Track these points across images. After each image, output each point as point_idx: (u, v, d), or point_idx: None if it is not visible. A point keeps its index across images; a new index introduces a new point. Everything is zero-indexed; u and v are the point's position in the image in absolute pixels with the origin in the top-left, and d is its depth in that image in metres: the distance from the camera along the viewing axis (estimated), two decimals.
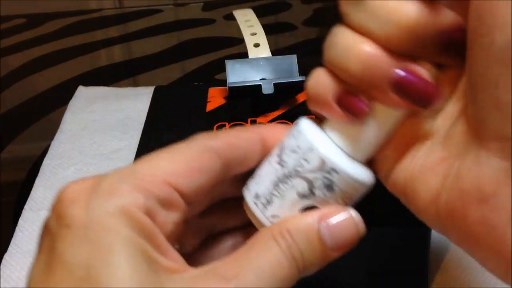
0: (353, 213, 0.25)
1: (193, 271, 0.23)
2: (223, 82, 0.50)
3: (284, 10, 0.94)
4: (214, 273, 0.22)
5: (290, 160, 0.25)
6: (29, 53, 0.83)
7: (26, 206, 0.48)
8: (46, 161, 0.53)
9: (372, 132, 0.24)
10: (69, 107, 0.62)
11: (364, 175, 0.25)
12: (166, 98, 0.52)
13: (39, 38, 0.88)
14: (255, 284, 0.22)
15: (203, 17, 0.94)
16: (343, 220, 0.25)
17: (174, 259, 0.23)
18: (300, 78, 0.48)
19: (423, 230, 0.36)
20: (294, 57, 0.50)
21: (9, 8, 0.96)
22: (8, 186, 0.55)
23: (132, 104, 0.62)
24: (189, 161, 0.24)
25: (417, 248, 0.36)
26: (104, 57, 0.82)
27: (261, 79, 0.48)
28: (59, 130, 0.58)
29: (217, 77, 0.72)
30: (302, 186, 0.25)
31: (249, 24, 0.52)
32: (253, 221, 0.26)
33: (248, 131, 0.27)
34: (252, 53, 0.50)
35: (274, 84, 0.47)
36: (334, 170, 0.24)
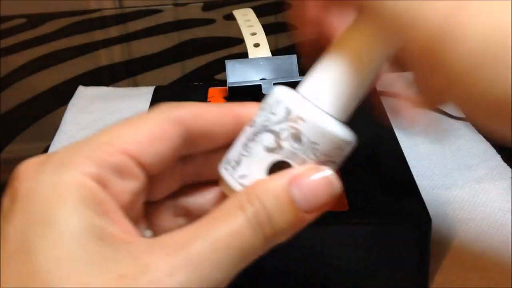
0: (327, 171, 0.23)
1: (140, 242, 0.21)
2: (223, 82, 0.50)
3: (284, 10, 0.94)
4: (161, 244, 0.20)
5: (259, 118, 0.24)
6: (29, 53, 0.83)
7: None
8: None
9: (345, 87, 0.24)
10: (69, 107, 0.62)
11: (335, 126, 0.24)
12: (166, 98, 0.52)
13: (39, 38, 0.88)
14: (206, 257, 0.20)
15: (203, 17, 0.94)
16: (317, 179, 0.23)
17: (126, 229, 0.21)
18: (300, 78, 0.48)
19: (423, 228, 0.36)
20: (294, 57, 0.50)
21: (9, 8, 0.96)
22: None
23: (132, 104, 0.62)
24: (149, 129, 0.23)
25: (417, 247, 0.36)
26: (104, 57, 0.82)
27: (261, 79, 0.48)
28: (59, 130, 0.58)
29: (217, 77, 0.72)
30: (268, 139, 0.24)
31: (249, 24, 0.52)
32: (225, 190, 0.25)
33: (218, 107, 0.26)
34: (252, 53, 0.50)
35: (274, 84, 0.47)
36: (300, 117, 0.23)
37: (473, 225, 0.43)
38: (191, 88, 0.56)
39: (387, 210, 0.36)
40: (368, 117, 0.46)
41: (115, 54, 0.84)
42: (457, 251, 0.41)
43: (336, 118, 0.24)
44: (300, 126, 0.23)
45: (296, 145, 0.23)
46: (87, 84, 0.67)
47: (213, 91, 0.52)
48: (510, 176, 0.48)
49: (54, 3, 0.97)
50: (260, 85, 0.47)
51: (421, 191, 0.38)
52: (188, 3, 1.00)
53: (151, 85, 0.62)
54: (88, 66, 0.78)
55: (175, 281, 0.20)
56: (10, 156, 0.59)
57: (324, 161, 0.24)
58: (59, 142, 0.56)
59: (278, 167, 0.24)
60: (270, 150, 0.24)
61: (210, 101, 0.51)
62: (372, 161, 0.40)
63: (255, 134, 0.24)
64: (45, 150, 0.56)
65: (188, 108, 0.24)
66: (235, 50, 0.79)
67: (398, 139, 0.43)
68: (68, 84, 0.72)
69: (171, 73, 0.75)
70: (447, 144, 0.53)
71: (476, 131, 0.55)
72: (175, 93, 0.53)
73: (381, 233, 0.36)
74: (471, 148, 0.52)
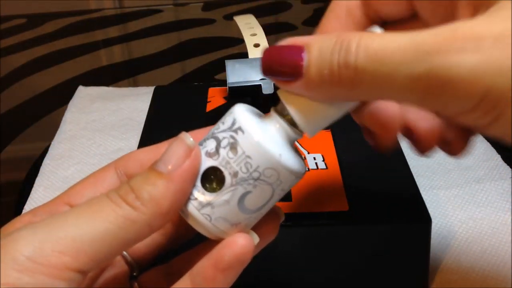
0: (184, 137, 0.24)
1: None
2: (223, 82, 0.50)
3: (284, 10, 0.94)
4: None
5: (212, 129, 0.25)
6: (29, 53, 0.83)
7: (26, 206, 0.48)
8: (46, 161, 0.53)
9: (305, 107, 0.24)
10: (69, 107, 0.62)
11: (274, 147, 0.24)
12: (166, 98, 0.52)
13: (39, 38, 0.88)
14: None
15: (203, 17, 0.94)
16: (173, 143, 0.24)
17: None
18: None
19: (423, 228, 0.36)
20: None
21: (9, 8, 0.96)
22: (8, 186, 0.55)
23: (132, 104, 0.62)
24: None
25: (417, 247, 0.36)
26: (104, 57, 0.82)
27: (261, 79, 0.48)
28: (59, 130, 0.58)
29: (217, 77, 0.72)
30: (211, 145, 0.24)
31: (249, 26, 0.52)
32: None
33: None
34: (252, 53, 0.50)
35: (274, 84, 0.47)
36: (240, 128, 0.24)
37: (473, 225, 0.43)
38: (191, 88, 0.56)
39: (387, 210, 0.36)
40: None
41: (115, 54, 0.84)
42: (457, 251, 0.41)
43: (290, 149, 0.25)
44: (238, 136, 0.24)
45: (231, 154, 0.24)
46: (87, 84, 0.67)
47: (213, 91, 0.52)
48: (510, 176, 0.48)
49: (54, 3, 0.97)
50: (260, 85, 0.47)
51: (421, 191, 0.38)
52: (188, 3, 1.00)
53: (151, 85, 0.62)
54: (88, 66, 0.78)
55: None
56: (10, 156, 0.59)
57: (257, 178, 0.24)
58: (59, 142, 0.56)
59: (213, 174, 0.24)
60: (209, 155, 0.24)
61: (210, 101, 0.51)
62: (372, 161, 0.40)
63: (205, 140, 0.25)
64: (45, 150, 0.56)
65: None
66: (235, 50, 0.79)
67: (398, 139, 0.43)
68: (68, 84, 0.72)
69: (171, 73, 0.75)
70: None
71: None
72: (175, 93, 0.53)
73: (381, 233, 0.36)
74: (471, 148, 0.52)
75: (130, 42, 0.86)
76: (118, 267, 0.29)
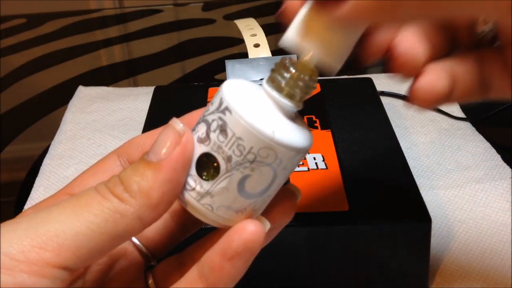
0: (173, 123, 0.23)
1: None
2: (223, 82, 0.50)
3: None
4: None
5: (204, 112, 0.23)
6: (29, 53, 0.83)
7: (26, 206, 0.48)
8: (46, 161, 0.53)
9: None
10: (69, 107, 0.62)
11: (265, 124, 0.22)
12: (166, 98, 0.52)
13: (39, 38, 0.88)
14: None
15: (203, 17, 0.94)
16: (163, 131, 0.23)
17: None
18: None
19: (423, 228, 0.36)
20: (294, 57, 0.50)
21: (9, 8, 0.96)
22: (8, 186, 0.55)
23: (132, 104, 0.62)
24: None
25: (417, 247, 0.36)
26: (104, 57, 0.82)
27: (261, 79, 0.48)
28: (59, 130, 0.58)
29: (217, 77, 0.72)
30: (202, 129, 0.23)
31: (249, 27, 0.52)
32: None
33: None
34: (252, 53, 0.50)
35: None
36: (227, 108, 0.22)
37: (473, 225, 0.43)
38: (191, 88, 0.56)
39: (387, 210, 0.36)
40: (368, 117, 0.46)
41: (115, 54, 0.84)
42: (457, 251, 0.41)
43: (284, 114, 0.23)
44: (226, 117, 0.22)
45: (222, 138, 0.22)
46: (87, 84, 0.67)
47: (213, 91, 0.52)
48: (510, 176, 0.48)
49: (54, 3, 0.97)
50: (260, 85, 0.47)
51: (421, 191, 0.38)
52: (188, 3, 1.00)
53: (151, 85, 0.62)
54: (88, 66, 0.78)
55: None
56: (10, 156, 0.59)
57: (253, 161, 0.22)
58: (59, 142, 0.56)
59: (207, 160, 0.23)
60: (201, 140, 0.23)
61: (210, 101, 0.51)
62: (372, 161, 0.40)
63: (196, 124, 0.23)
64: (45, 150, 0.56)
65: None
66: (235, 50, 0.79)
67: (398, 139, 0.43)
68: (68, 84, 0.72)
69: (171, 73, 0.75)
70: (447, 144, 0.53)
71: (476, 131, 0.55)
72: (175, 93, 0.53)
73: (381, 233, 0.36)
74: (471, 148, 0.52)
75: (130, 42, 0.86)
76: (131, 258, 0.27)
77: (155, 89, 0.54)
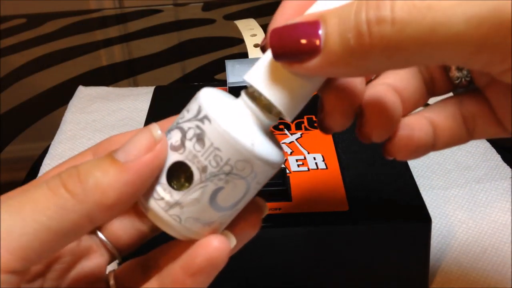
0: (152, 128, 0.22)
1: None
2: (223, 82, 0.50)
3: None
4: None
5: (177, 118, 0.23)
6: (29, 53, 0.83)
7: None
8: (46, 161, 0.53)
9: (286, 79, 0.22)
10: (69, 107, 0.62)
11: (245, 136, 0.21)
12: (166, 98, 0.52)
13: (39, 38, 0.88)
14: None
15: (203, 17, 0.94)
16: (139, 133, 0.22)
17: None
18: None
19: (423, 228, 0.36)
20: None
21: (9, 8, 0.96)
22: (8, 186, 0.55)
23: (132, 104, 0.62)
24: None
25: (417, 247, 0.36)
26: (104, 57, 0.82)
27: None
28: (59, 130, 0.58)
29: (217, 77, 0.72)
30: (176, 137, 0.22)
31: (249, 28, 0.52)
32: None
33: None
34: (252, 53, 0.50)
35: None
36: (206, 117, 0.21)
37: (473, 225, 0.43)
38: (191, 88, 0.56)
39: (387, 210, 0.36)
40: None
41: (115, 54, 0.84)
42: (457, 251, 0.41)
43: (262, 129, 0.22)
44: (205, 126, 0.21)
45: (198, 147, 0.21)
46: (87, 84, 0.67)
47: None
48: (510, 176, 0.48)
49: (54, 3, 0.97)
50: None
51: (421, 191, 0.38)
52: (188, 3, 1.00)
53: (151, 85, 0.62)
54: (88, 66, 0.78)
55: None
56: (10, 156, 0.59)
57: (228, 173, 0.21)
58: (59, 142, 0.56)
59: (179, 169, 0.22)
60: (174, 148, 0.22)
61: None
62: (372, 161, 0.40)
63: (169, 131, 0.23)
64: (45, 150, 0.56)
65: None
66: (235, 50, 0.79)
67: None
68: (68, 84, 0.72)
69: (171, 73, 0.75)
70: None
71: None
72: (175, 93, 0.53)
73: (381, 233, 0.36)
74: (471, 148, 0.52)
75: (130, 42, 0.86)
76: (96, 257, 0.26)
77: (155, 89, 0.54)
